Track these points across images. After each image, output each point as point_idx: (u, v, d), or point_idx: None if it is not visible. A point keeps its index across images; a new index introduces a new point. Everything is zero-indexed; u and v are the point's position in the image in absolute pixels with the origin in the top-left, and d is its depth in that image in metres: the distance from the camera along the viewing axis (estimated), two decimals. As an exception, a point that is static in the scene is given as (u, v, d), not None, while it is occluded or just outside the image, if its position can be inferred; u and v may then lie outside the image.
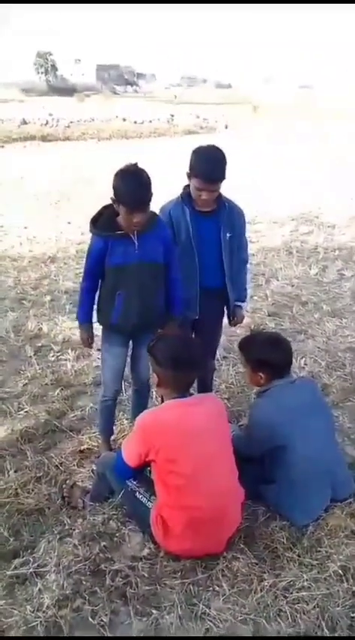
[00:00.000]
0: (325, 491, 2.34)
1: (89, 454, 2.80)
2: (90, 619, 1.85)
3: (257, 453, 2.40)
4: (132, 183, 2.26)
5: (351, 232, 7.42)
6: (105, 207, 2.42)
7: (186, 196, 2.62)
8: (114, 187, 2.28)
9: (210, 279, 2.69)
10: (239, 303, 2.93)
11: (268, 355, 2.43)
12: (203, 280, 2.67)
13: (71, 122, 21.00)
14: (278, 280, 5.47)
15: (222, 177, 2.51)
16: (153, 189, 2.30)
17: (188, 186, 2.61)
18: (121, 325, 2.49)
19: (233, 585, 2.01)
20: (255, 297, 4.99)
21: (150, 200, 2.31)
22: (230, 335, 4.11)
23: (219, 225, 2.64)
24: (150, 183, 2.27)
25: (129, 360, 2.74)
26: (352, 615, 1.92)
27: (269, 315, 4.60)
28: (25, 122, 20.33)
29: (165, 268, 2.49)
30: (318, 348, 4.03)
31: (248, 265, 3.00)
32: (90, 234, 2.44)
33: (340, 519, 2.29)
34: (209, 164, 2.50)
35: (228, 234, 2.66)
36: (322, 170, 12.72)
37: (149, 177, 2.27)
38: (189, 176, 2.55)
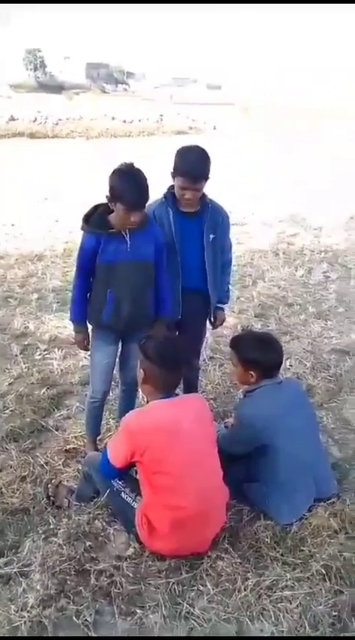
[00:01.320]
0: (309, 489, 2.37)
1: (75, 454, 2.80)
2: (74, 618, 1.85)
3: (242, 452, 2.42)
4: (133, 183, 2.27)
5: (337, 235, 7.50)
6: (97, 206, 2.43)
7: (170, 196, 2.62)
8: (112, 186, 2.28)
9: (192, 280, 2.70)
10: (220, 305, 2.94)
11: (261, 355, 2.44)
12: (185, 281, 2.68)
13: (59, 120, 20.89)
14: (264, 282, 5.51)
15: (205, 175, 2.53)
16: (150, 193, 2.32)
17: (172, 186, 2.62)
18: (112, 324, 2.49)
19: (217, 585, 2.02)
20: (242, 299, 5.03)
21: (148, 199, 2.33)
22: (217, 336, 4.13)
23: (202, 226, 2.65)
24: (148, 183, 2.29)
25: (117, 359, 2.74)
26: (334, 614, 1.95)
27: (255, 317, 4.63)
28: (13, 119, 20.17)
29: (155, 266, 2.49)
30: (304, 349, 4.07)
31: (232, 267, 3.02)
32: (78, 233, 2.44)
33: (323, 519, 2.32)
34: (192, 163, 2.51)
35: (211, 236, 2.67)
36: (310, 172, 12.82)
37: (146, 177, 2.29)
38: (173, 175, 2.56)
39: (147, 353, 2.16)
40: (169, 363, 2.13)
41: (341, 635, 1.88)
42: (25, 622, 1.82)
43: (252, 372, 2.44)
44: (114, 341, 2.63)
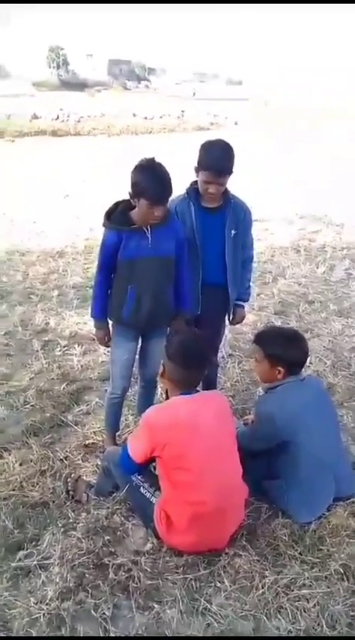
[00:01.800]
0: (329, 488, 2.35)
1: (94, 449, 2.82)
2: (92, 612, 1.87)
3: (262, 449, 2.40)
4: (155, 178, 2.27)
5: (360, 231, 7.38)
6: (119, 202, 2.44)
7: (193, 192, 2.62)
8: (134, 182, 2.29)
9: (213, 276, 2.69)
10: (240, 302, 2.93)
11: (289, 350, 2.41)
12: (205, 276, 2.67)
13: (81, 117, 21.00)
14: (285, 279, 5.46)
15: (229, 170, 2.51)
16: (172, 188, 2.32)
17: (195, 182, 2.61)
18: (133, 320, 2.50)
19: (234, 581, 2.02)
20: (262, 295, 4.99)
21: (171, 194, 2.33)
22: (236, 333, 4.12)
23: (224, 221, 2.64)
24: (170, 178, 2.29)
25: (137, 356, 2.75)
26: (352, 614, 1.93)
27: (275, 314, 4.60)
28: (36, 117, 20.36)
29: (175, 261, 2.49)
30: (324, 347, 4.02)
31: (253, 264, 3.00)
32: (99, 230, 2.45)
33: (342, 518, 2.30)
34: (216, 157, 2.50)
35: (232, 231, 2.66)
36: (333, 169, 12.64)
37: (168, 172, 2.29)
38: (197, 170, 2.55)
39: (169, 351, 2.16)
40: (191, 362, 2.12)
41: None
42: (44, 614, 1.85)
43: (279, 368, 2.40)
44: (135, 337, 2.64)
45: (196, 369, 2.15)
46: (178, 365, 2.12)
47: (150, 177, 2.27)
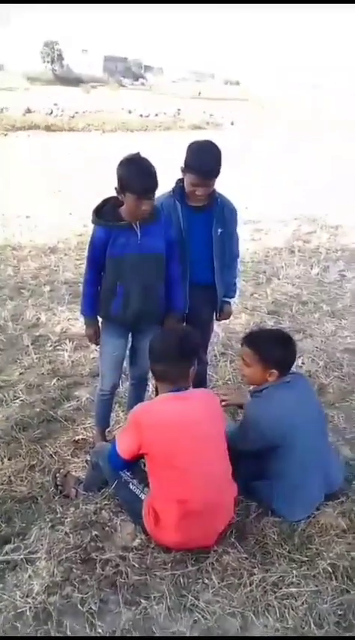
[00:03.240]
0: (319, 486, 2.36)
1: (84, 444, 2.81)
2: (79, 606, 1.86)
3: (251, 451, 2.40)
4: (140, 171, 2.26)
5: (354, 234, 7.42)
6: (108, 199, 2.42)
7: (179, 190, 2.60)
8: (120, 176, 2.28)
9: (200, 274, 2.68)
10: (227, 299, 2.93)
11: (283, 352, 2.39)
12: (193, 275, 2.66)
13: (76, 113, 20.95)
14: (279, 279, 5.47)
15: (217, 172, 2.50)
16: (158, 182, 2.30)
17: (181, 180, 2.59)
18: (122, 316, 2.48)
19: (222, 579, 2.01)
20: (256, 295, 5.00)
21: (157, 187, 2.31)
22: (229, 332, 4.12)
23: (210, 220, 2.64)
24: (155, 171, 2.28)
25: (128, 353, 2.74)
26: (339, 613, 1.93)
27: (268, 314, 4.61)
28: (29, 111, 20.27)
29: (166, 260, 2.48)
30: (317, 347, 4.03)
31: (239, 261, 3.00)
32: (91, 226, 2.43)
33: (331, 517, 2.30)
34: (204, 160, 2.49)
35: (219, 230, 2.65)
36: (328, 170, 12.71)
37: (153, 165, 2.28)
38: (184, 171, 2.53)
39: (152, 347, 2.18)
40: (168, 357, 2.12)
41: (347, 635, 1.86)
42: (29, 608, 1.84)
43: (272, 371, 2.37)
44: (124, 334, 2.63)
45: (179, 364, 2.13)
46: (161, 361, 2.12)
47: (135, 171, 2.26)
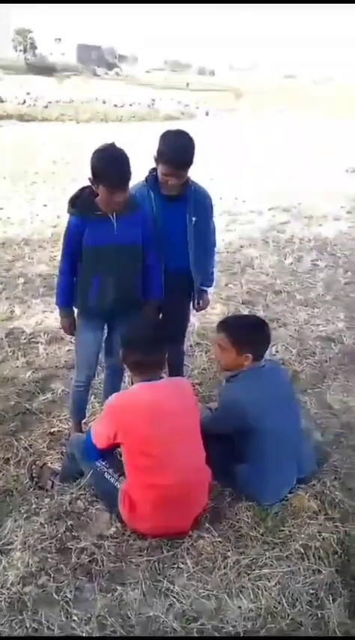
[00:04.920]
0: (292, 469, 2.41)
1: (59, 436, 2.80)
2: (54, 595, 1.87)
3: (226, 435, 2.43)
4: (113, 162, 2.23)
5: (327, 224, 7.52)
6: (83, 188, 2.39)
7: (152, 179, 2.59)
8: (93, 167, 2.25)
9: (176, 263, 2.68)
10: (204, 288, 2.95)
11: (256, 335, 2.43)
12: (168, 264, 2.66)
13: (49, 102, 20.64)
14: (253, 269, 5.52)
15: (190, 162, 2.50)
16: (132, 172, 2.28)
17: (154, 169, 2.58)
18: (97, 307, 2.47)
19: (197, 563, 2.05)
20: (230, 285, 5.04)
21: (130, 178, 2.29)
22: (203, 322, 4.14)
23: (184, 208, 2.63)
24: (129, 161, 2.25)
25: (103, 343, 2.73)
26: (311, 592, 1.98)
27: (243, 303, 4.65)
28: (1, 100, 19.87)
29: (142, 250, 2.47)
30: (290, 336, 4.09)
31: (215, 249, 3.01)
32: (66, 217, 2.41)
33: (303, 500, 2.35)
34: (177, 150, 2.48)
35: (193, 218, 2.65)
36: (302, 161, 12.81)
37: (127, 156, 2.25)
38: (157, 160, 2.52)
39: (124, 337, 2.19)
40: (141, 347, 2.13)
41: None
42: (4, 599, 1.84)
43: (247, 355, 2.40)
44: (100, 325, 2.62)
45: (153, 354, 2.15)
46: (135, 351, 2.13)
47: (108, 163, 2.23)
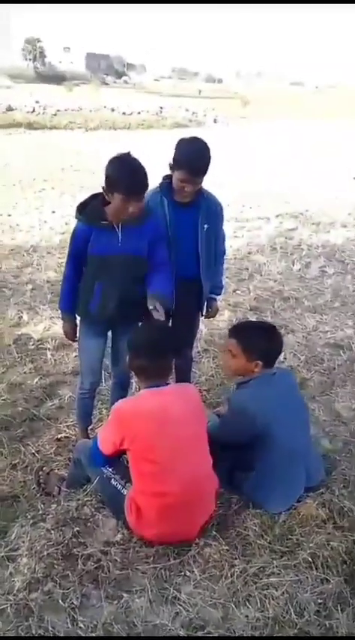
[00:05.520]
0: (300, 478, 2.38)
1: (67, 442, 2.80)
2: (60, 602, 1.86)
3: (235, 442, 2.42)
4: (130, 171, 2.22)
5: (335, 230, 7.50)
6: (94, 196, 2.39)
7: (166, 186, 2.61)
8: (108, 175, 2.23)
9: (186, 270, 2.68)
10: (213, 296, 2.94)
11: (268, 343, 2.41)
12: (178, 271, 2.65)
13: (58, 110, 20.80)
14: (261, 275, 5.51)
15: (206, 169, 2.51)
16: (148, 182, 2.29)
17: (168, 176, 2.59)
18: (99, 315, 2.47)
19: (204, 571, 2.03)
20: (238, 292, 5.03)
21: (146, 189, 2.29)
22: (211, 328, 4.14)
23: (197, 216, 2.64)
24: (146, 172, 2.25)
25: (110, 352, 2.73)
26: (319, 601, 1.96)
27: (251, 310, 4.64)
28: (11, 108, 20.07)
29: (147, 262, 2.44)
30: (298, 342, 4.08)
31: (225, 257, 3.01)
32: (74, 224, 2.42)
33: (311, 508, 2.33)
34: (194, 157, 2.48)
35: (205, 226, 2.66)
36: (309, 168, 12.81)
37: (144, 166, 2.25)
38: (172, 168, 2.53)
39: (131, 343, 2.18)
40: (149, 353, 2.12)
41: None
42: (11, 605, 1.83)
43: (257, 362, 2.39)
44: (102, 333, 2.61)
45: (159, 360, 2.15)
46: (140, 356, 2.13)
47: (125, 170, 2.22)
